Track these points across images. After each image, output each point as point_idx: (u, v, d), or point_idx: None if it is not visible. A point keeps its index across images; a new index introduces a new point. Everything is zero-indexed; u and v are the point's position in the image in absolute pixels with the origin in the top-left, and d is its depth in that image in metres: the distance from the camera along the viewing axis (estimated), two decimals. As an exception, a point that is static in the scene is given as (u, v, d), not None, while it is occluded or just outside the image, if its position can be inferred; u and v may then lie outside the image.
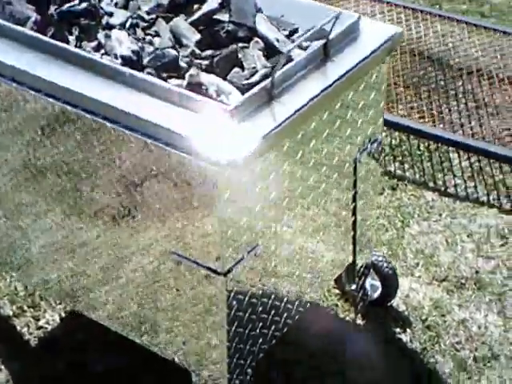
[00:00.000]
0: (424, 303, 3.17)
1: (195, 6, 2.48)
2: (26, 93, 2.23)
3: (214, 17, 2.36)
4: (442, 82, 4.26)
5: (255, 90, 2.07)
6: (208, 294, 2.22)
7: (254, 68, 2.18)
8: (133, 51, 2.19)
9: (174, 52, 2.20)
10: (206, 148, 1.99)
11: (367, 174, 2.66)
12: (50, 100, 2.19)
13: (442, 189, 3.75)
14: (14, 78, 2.23)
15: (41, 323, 3.07)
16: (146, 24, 2.37)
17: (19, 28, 2.30)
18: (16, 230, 2.56)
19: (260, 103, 2.09)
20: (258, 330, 2.41)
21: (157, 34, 2.36)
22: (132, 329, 2.48)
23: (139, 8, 2.43)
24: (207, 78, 2.11)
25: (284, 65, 2.17)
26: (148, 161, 2.10)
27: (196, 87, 2.09)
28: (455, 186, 3.77)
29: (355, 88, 2.38)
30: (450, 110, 4.10)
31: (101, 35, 2.31)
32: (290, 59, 2.22)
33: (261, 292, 2.37)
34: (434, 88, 4.21)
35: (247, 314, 2.32)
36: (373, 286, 3.07)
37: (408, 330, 3.05)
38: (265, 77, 2.16)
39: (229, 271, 2.17)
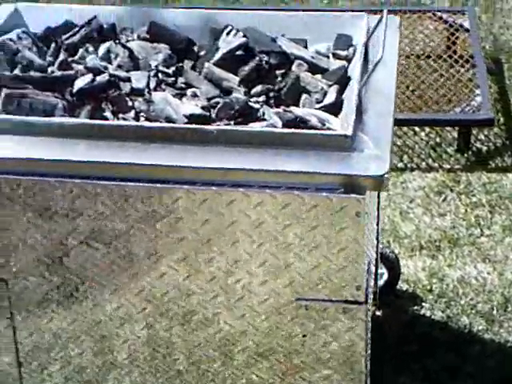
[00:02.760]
0: (420, 275, 3.26)
1: (195, 49, 2.35)
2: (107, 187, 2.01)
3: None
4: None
5: (352, 109, 2.00)
6: (345, 328, 2.12)
7: (322, 89, 2.10)
8: (203, 107, 2.01)
9: (242, 96, 2.05)
10: (344, 180, 1.91)
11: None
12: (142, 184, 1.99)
13: (360, 167, 3.86)
14: (81, 174, 1.99)
15: None
16: (172, 78, 2.19)
17: (56, 120, 2.03)
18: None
19: (357, 120, 2.03)
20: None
21: (189, 85, 2.19)
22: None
23: (150, 65, 2.24)
24: (301, 111, 2.00)
25: (347, 77, 2.13)
26: (277, 211, 1.97)
27: (294, 123, 1.97)
28: (368, 161, 3.90)
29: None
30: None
31: (140, 103, 2.10)
32: (345, 71, 2.17)
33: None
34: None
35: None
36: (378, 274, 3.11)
37: (423, 304, 3.13)
38: (339, 95, 2.09)
39: (367, 297, 2.09)
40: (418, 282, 3.24)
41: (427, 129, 4.07)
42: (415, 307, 3.13)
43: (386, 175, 1.90)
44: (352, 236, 1.98)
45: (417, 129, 4.08)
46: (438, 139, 4.03)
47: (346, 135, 1.94)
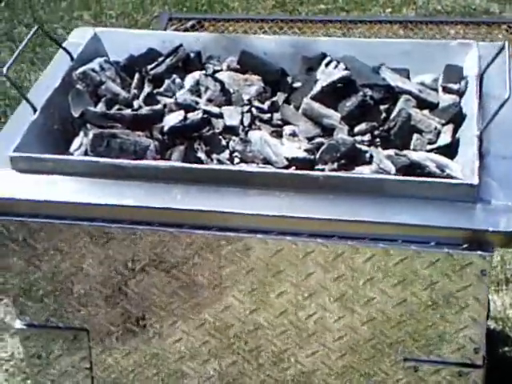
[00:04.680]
0: (508, 312, 3.05)
1: (289, 80, 2.17)
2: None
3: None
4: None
5: (473, 152, 1.81)
6: (459, 393, 1.94)
7: (435, 129, 1.91)
8: (306, 150, 1.84)
9: (348, 137, 1.87)
10: (469, 235, 1.72)
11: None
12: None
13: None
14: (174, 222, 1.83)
15: None
16: (268, 115, 2.01)
17: (152, 164, 1.86)
18: None
19: (480, 166, 1.84)
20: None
21: (285, 122, 2.01)
22: None
23: (242, 99, 2.06)
24: (416, 155, 1.81)
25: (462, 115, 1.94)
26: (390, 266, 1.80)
27: (409, 169, 1.79)
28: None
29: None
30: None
31: (235, 142, 1.92)
32: (459, 107, 1.98)
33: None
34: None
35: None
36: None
37: (513, 345, 2.94)
38: (454, 136, 1.90)
39: (484, 360, 1.91)
40: (506, 321, 3.03)
41: None
42: (505, 348, 2.93)
43: (519, 230, 1.71)
44: (474, 295, 1.79)
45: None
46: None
47: (471, 184, 1.75)
